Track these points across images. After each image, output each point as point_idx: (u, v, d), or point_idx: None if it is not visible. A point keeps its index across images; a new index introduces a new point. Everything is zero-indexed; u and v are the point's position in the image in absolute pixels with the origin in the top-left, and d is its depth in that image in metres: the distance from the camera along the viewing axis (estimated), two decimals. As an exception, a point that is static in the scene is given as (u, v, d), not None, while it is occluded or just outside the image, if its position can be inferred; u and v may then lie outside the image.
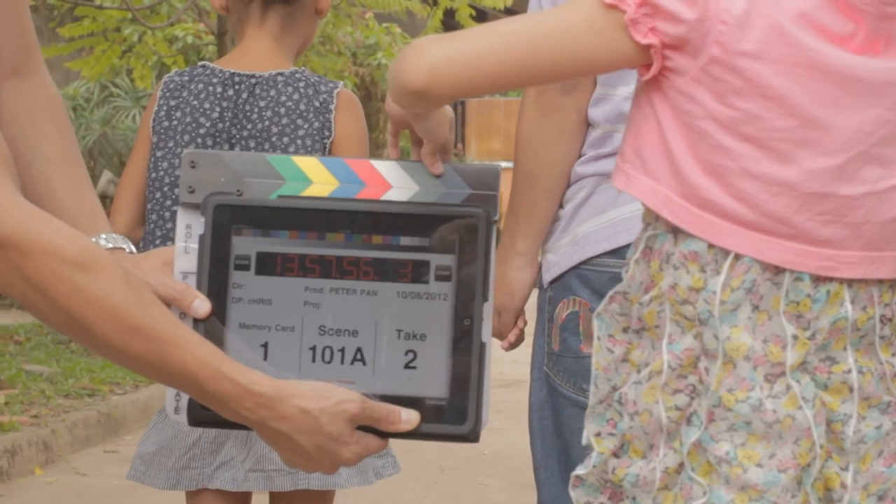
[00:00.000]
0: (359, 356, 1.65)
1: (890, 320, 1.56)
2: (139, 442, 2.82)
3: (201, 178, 1.69)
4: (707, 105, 1.49)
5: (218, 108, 2.76)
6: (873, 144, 1.50)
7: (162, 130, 2.76)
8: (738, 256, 1.50)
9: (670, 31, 1.48)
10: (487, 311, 1.66)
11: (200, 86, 2.78)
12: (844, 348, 1.53)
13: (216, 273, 1.66)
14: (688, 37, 1.48)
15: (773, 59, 1.46)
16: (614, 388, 1.60)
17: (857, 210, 1.50)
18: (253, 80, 2.77)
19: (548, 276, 2.23)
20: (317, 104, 2.75)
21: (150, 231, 2.75)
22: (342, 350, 1.65)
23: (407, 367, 1.65)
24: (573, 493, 1.64)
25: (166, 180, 2.73)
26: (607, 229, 2.15)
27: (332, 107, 2.75)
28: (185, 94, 2.78)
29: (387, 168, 1.70)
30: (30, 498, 4.98)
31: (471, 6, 8.96)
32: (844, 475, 1.53)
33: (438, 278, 1.65)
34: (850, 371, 1.53)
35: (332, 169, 1.70)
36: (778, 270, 1.50)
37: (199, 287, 1.66)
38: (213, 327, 1.64)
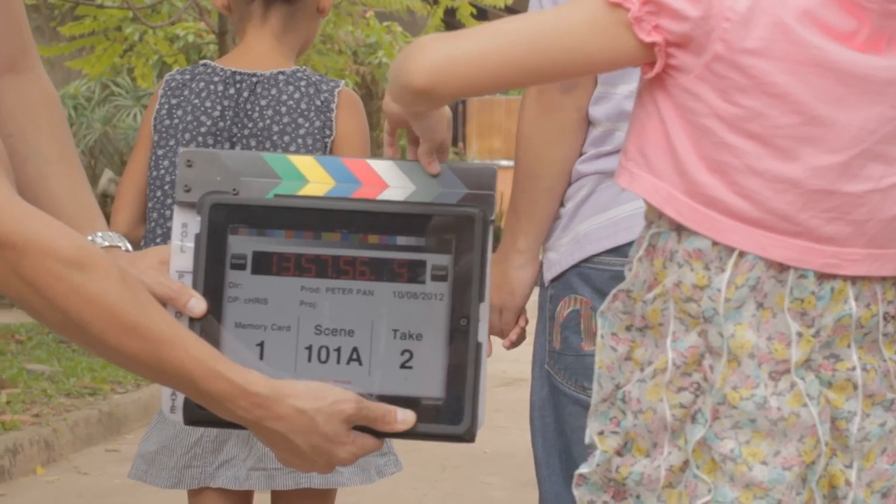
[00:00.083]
0: (355, 356, 1.65)
1: (893, 317, 1.56)
2: (141, 441, 2.82)
3: (197, 176, 1.69)
4: (711, 102, 1.49)
5: (219, 107, 2.76)
6: (877, 142, 1.50)
7: (163, 129, 2.76)
8: (742, 254, 1.50)
9: (674, 29, 1.48)
10: (484, 311, 1.65)
11: (202, 84, 2.78)
12: (848, 345, 1.53)
13: (212, 272, 1.66)
14: (692, 34, 1.47)
15: (777, 56, 1.46)
16: (617, 387, 1.60)
17: (860, 207, 1.50)
18: (254, 79, 2.77)
19: (549, 275, 2.23)
20: (318, 103, 2.75)
21: (151, 230, 2.75)
22: (338, 350, 1.65)
23: (403, 366, 1.65)
24: (577, 492, 1.64)
25: (167, 179, 2.73)
26: (608, 227, 2.15)
27: (334, 105, 2.75)
28: (186, 92, 2.78)
29: (383, 167, 1.70)
30: (31, 497, 4.98)
31: (471, 4, 8.97)
32: (849, 472, 1.54)
33: (435, 278, 1.65)
34: (854, 368, 1.53)
35: (328, 168, 1.70)
36: (782, 268, 1.50)
37: (195, 286, 1.66)
38: (209, 326, 1.64)
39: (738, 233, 1.50)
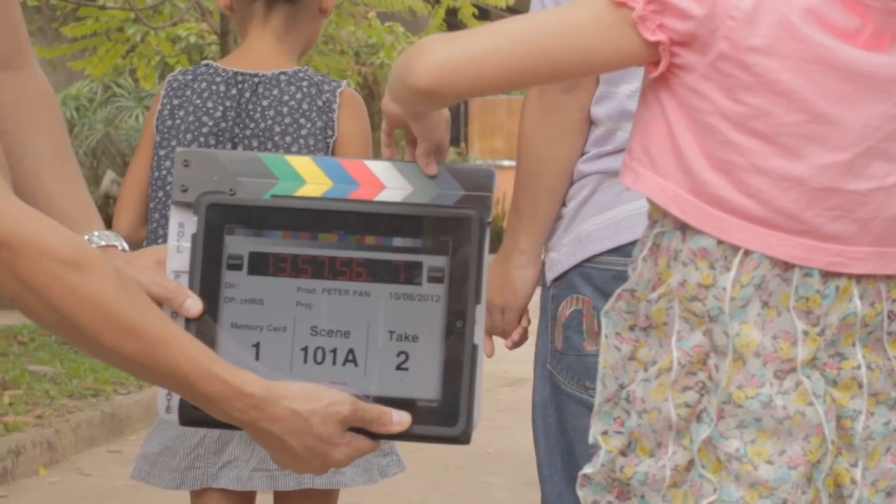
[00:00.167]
0: (351, 357, 1.65)
1: (898, 316, 1.56)
2: (143, 442, 2.82)
3: (194, 176, 1.68)
4: (716, 101, 1.48)
5: (221, 107, 2.75)
6: (881, 140, 1.50)
7: (165, 129, 2.76)
8: (747, 252, 1.50)
9: (679, 28, 1.47)
10: (480, 312, 1.65)
11: (204, 84, 2.78)
12: (853, 344, 1.53)
13: (208, 272, 1.65)
14: (696, 33, 1.47)
15: (782, 54, 1.46)
16: (621, 387, 1.60)
17: (865, 205, 1.50)
18: (256, 80, 2.76)
19: (551, 275, 2.23)
20: (320, 103, 2.74)
21: (153, 230, 2.75)
22: (334, 351, 1.65)
23: (399, 368, 1.64)
24: (581, 492, 1.64)
25: (169, 179, 2.73)
26: (609, 227, 2.15)
27: (336, 106, 2.75)
28: (188, 92, 2.78)
29: (381, 168, 1.69)
30: (34, 498, 4.98)
31: (473, 5, 8.97)
32: (854, 471, 1.54)
33: (431, 280, 1.65)
34: (859, 367, 1.53)
35: (325, 169, 1.69)
36: (787, 266, 1.50)
37: (191, 286, 1.65)
38: (204, 327, 1.64)
39: (743, 231, 1.50)
